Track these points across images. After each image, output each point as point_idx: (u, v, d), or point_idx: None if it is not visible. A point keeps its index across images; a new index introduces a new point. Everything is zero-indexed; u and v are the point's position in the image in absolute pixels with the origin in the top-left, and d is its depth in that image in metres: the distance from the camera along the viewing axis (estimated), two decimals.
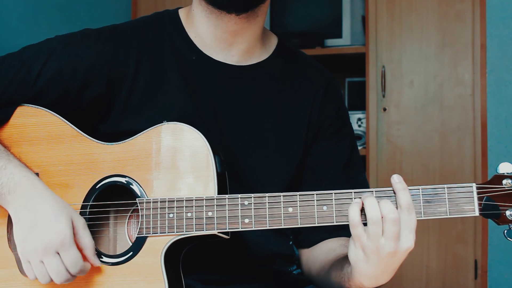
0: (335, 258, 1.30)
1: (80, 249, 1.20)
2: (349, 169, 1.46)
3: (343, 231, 1.39)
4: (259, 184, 1.37)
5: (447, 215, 1.12)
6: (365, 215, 1.10)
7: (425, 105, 2.99)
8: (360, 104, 3.26)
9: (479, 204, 1.11)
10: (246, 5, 1.33)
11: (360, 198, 1.12)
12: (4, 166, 1.25)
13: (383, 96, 3.03)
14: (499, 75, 2.90)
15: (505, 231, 1.11)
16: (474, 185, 1.12)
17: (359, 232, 1.10)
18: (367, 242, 1.10)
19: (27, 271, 1.22)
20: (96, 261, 1.22)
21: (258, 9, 1.36)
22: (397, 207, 1.10)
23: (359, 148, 3.06)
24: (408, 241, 1.10)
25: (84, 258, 1.21)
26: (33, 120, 1.33)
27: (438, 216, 1.12)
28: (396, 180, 1.13)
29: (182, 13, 1.45)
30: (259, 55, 1.44)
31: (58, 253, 1.18)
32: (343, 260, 1.24)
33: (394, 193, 1.12)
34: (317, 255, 1.40)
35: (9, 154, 1.29)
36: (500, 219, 1.11)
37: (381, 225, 1.08)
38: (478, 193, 1.11)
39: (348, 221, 1.12)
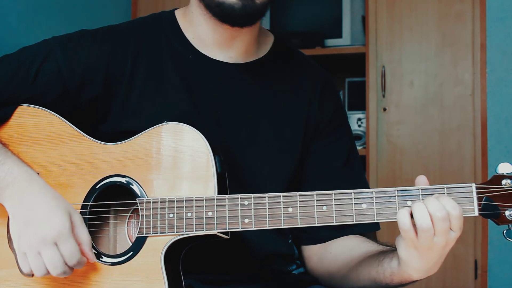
0: (364, 254, 1.30)
1: (78, 244, 1.20)
2: (348, 167, 1.46)
3: (350, 228, 1.39)
4: (258, 182, 1.37)
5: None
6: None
7: (425, 105, 2.99)
8: (360, 104, 3.26)
9: (479, 204, 1.11)
10: (252, 21, 1.36)
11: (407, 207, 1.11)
12: (2, 161, 1.24)
13: (383, 96, 3.03)
14: (499, 75, 2.90)
15: (505, 231, 1.11)
16: (473, 185, 1.11)
17: (411, 235, 1.09)
18: (419, 243, 1.09)
19: (22, 265, 1.20)
20: (92, 256, 1.21)
21: None
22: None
23: (359, 148, 3.06)
24: (457, 231, 1.09)
25: (82, 253, 1.21)
26: (33, 120, 1.33)
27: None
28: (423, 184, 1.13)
29: (178, 13, 1.45)
30: (256, 53, 1.45)
31: (55, 245, 1.17)
32: (379, 256, 1.24)
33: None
34: (337, 254, 1.39)
35: (7, 151, 1.29)
36: (500, 219, 1.11)
37: (432, 231, 1.08)
38: (478, 193, 1.11)
39: (347, 221, 1.13)
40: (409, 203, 1.12)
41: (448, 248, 1.12)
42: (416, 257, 1.12)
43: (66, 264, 1.19)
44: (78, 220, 1.21)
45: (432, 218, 1.08)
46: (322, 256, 1.43)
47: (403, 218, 1.09)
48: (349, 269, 1.32)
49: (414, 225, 1.09)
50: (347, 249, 1.37)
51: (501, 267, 2.84)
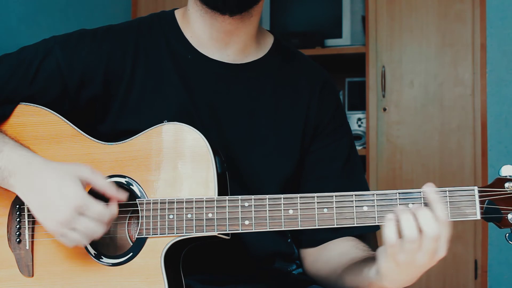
0: (349, 261, 1.30)
1: (102, 194, 1.20)
2: (348, 167, 1.45)
3: (348, 230, 1.38)
4: (257, 181, 1.37)
5: (448, 218, 1.10)
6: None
7: (425, 105, 2.99)
8: (360, 104, 3.26)
9: (481, 208, 1.10)
10: (240, 6, 1.33)
11: (391, 214, 1.09)
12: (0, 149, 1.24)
13: (383, 96, 3.04)
14: (499, 75, 2.90)
15: (507, 234, 1.10)
16: (476, 188, 1.11)
17: (396, 250, 1.08)
18: (401, 257, 1.08)
19: (66, 243, 1.20)
20: (120, 195, 1.21)
21: (252, 9, 1.36)
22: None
23: (359, 148, 3.06)
24: (442, 252, 1.09)
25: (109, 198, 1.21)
26: (33, 119, 1.32)
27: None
28: (431, 190, 1.10)
29: (178, 13, 1.46)
30: (255, 54, 1.44)
31: (82, 214, 1.17)
32: (360, 264, 1.24)
33: (425, 204, 1.10)
34: (328, 258, 1.39)
35: (4, 137, 1.29)
36: (502, 222, 1.10)
37: (418, 242, 1.06)
38: (480, 197, 1.10)
39: (348, 224, 1.13)
40: (410, 205, 1.12)
41: (427, 267, 1.11)
42: (394, 271, 1.11)
43: (101, 223, 1.19)
44: (89, 173, 1.20)
45: (423, 233, 1.06)
46: (315, 259, 1.43)
47: (390, 233, 1.08)
48: (337, 275, 1.32)
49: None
50: (337, 255, 1.37)
51: (501, 267, 2.84)
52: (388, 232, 1.08)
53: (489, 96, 2.90)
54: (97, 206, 1.18)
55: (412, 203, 1.12)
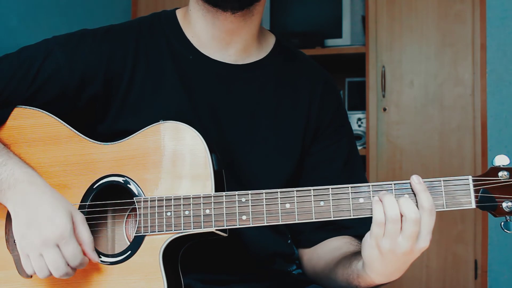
0: (341, 256, 1.31)
1: (79, 244, 1.20)
2: (349, 167, 1.46)
3: (344, 230, 1.39)
4: (257, 182, 1.37)
5: (444, 207, 1.12)
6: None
7: (425, 105, 2.99)
8: (360, 104, 3.26)
9: (476, 197, 1.11)
10: (241, 3, 1.33)
11: (377, 196, 1.12)
12: (4, 162, 1.25)
13: (383, 96, 3.03)
14: (499, 75, 2.90)
15: (502, 223, 1.12)
16: (470, 177, 1.12)
17: (381, 232, 1.10)
18: (383, 241, 1.10)
19: (25, 266, 1.21)
20: (94, 257, 1.22)
21: (254, 8, 1.36)
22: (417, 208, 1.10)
23: (359, 148, 3.06)
24: (425, 242, 1.10)
25: (83, 253, 1.21)
26: (30, 122, 1.32)
27: (435, 209, 1.12)
28: (416, 181, 1.12)
29: (179, 13, 1.46)
30: (257, 54, 1.44)
31: (57, 246, 1.18)
32: (351, 257, 1.25)
33: (414, 194, 1.12)
34: (322, 254, 1.40)
35: (9, 152, 1.29)
36: (497, 211, 1.11)
37: (399, 224, 1.08)
38: (475, 186, 1.12)
39: (345, 216, 1.13)
40: (405, 196, 1.13)
41: (411, 257, 1.12)
42: (378, 259, 1.12)
43: (68, 265, 1.19)
44: (80, 220, 1.21)
45: (404, 217, 1.08)
46: (310, 256, 1.43)
47: (379, 213, 1.10)
48: (330, 269, 1.32)
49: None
50: (330, 250, 1.38)
51: (501, 267, 2.83)
52: (378, 212, 1.10)
53: (489, 96, 2.90)
54: (75, 247, 1.19)
55: (407, 194, 1.13)
